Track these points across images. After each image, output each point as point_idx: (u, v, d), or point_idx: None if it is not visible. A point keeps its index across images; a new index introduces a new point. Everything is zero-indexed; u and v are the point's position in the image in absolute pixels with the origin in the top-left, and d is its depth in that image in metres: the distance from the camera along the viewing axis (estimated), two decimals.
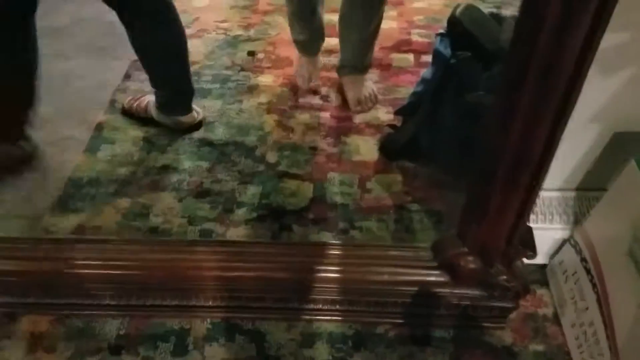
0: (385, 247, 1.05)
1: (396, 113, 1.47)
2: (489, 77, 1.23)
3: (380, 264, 0.99)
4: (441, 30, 1.38)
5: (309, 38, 1.60)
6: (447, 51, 1.30)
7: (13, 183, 1.37)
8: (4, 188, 1.36)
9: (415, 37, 1.86)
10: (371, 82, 1.63)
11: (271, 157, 1.43)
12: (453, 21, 1.36)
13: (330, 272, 1.00)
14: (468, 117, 1.26)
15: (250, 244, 1.13)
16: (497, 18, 1.42)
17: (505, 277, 0.95)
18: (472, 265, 0.96)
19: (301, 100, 1.61)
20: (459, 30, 1.34)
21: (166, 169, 1.40)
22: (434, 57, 1.34)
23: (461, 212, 0.93)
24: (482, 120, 0.87)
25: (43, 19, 1.99)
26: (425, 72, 1.40)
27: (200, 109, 1.53)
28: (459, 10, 1.35)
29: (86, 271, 1.05)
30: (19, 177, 1.39)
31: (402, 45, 1.82)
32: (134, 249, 1.05)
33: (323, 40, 1.64)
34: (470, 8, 1.37)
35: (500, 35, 1.37)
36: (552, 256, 1.10)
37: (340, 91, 1.62)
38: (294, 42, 1.64)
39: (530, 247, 0.90)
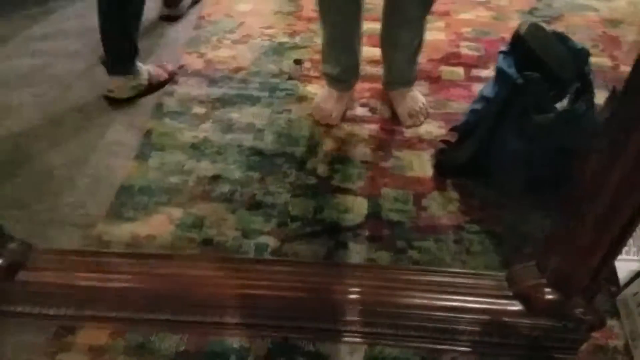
0: (456, 273, 1.01)
1: (453, 130, 1.44)
2: (569, 107, 1.20)
3: (451, 291, 0.96)
4: (503, 48, 1.35)
5: (344, 73, 1.51)
6: (511, 70, 1.27)
7: (65, 189, 1.36)
8: (58, 194, 1.34)
9: (464, 50, 1.82)
10: (420, 94, 1.60)
11: (322, 170, 1.41)
12: (517, 40, 1.33)
13: (398, 297, 0.98)
14: (534, 140, 1.24)
15: (312, 264, 1.10)
16: (559, 37, 1.39)
17: (582, 309, 0.92)
18: (549, 297, 0.93)
19: (349, 113, 1.58)
20: (524, 50, 1.32)
21: (217, 179, 1.38)
22: (497, 75, 1.31)
23: (544, 243, 0.90)
24: (577, 156, 0.83)
25: (85, 19, 2.00)
26: (485, 88, 1.37)
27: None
28: (523, 29, 1.33)
29: (145, 286, 1.03)
30: (70, 183, 1.37)
31: (451, 58, 1.79)
32: (196, 265, 1.03)
33: (358, 77, 1.56)
34: (534, 27, 1.34)
35: (565, 57, 1.34)
36: (624, 287, 1.07)
37: (390, 105, 1.60)
38: (324, 75, 1.56)
39: (613, 282, 0.87)
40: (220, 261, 1.04)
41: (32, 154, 1.46)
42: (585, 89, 1.31)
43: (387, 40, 1.48)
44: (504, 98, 1.25)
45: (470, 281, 0.98)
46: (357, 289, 0.98)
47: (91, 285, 1.04)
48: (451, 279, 0.98)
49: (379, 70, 1.73)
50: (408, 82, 1.56)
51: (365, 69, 1.68)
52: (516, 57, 1.32)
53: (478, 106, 1.35)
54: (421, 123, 1.54)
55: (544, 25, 1.38)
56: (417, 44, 1.48)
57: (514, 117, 1.25)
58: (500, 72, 1.30)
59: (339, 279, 1.01)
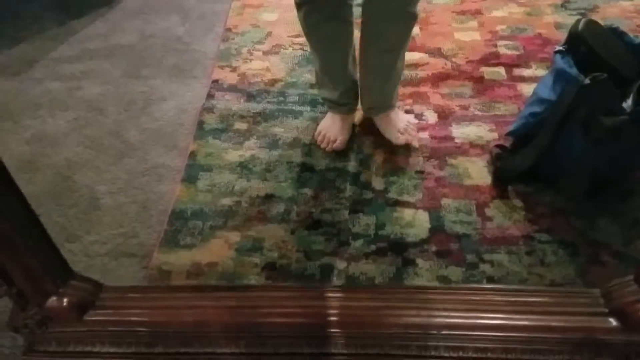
0: (548, 292, 0.98)
1: (510, 134, 1.39)
2: (636, 107, 1.16)
3: (546, 312, 0.92)
4: (559, 47, 1.31)
5: (342, 97, 1.42)
6: (573, 71, 1.23)
7: (115, 218, 1.32)
8: (108, 224, 1.30)
9: (502, 50, 1.78)
10: (404, 114, 1.51)
11: (378, 183, 1.37)
12: (575, 38, 1.29)
13: (489, 319, 0.94)
14: (602, 143, 1.20)
15: (399, 289, 1.06)
16: (615, 33, 1.35)
17: None
18: None
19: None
20: (582, 48, 1.27)
21: (270, 198, 1.34)
22: (557, 76, 1.27)
23: None
24: None
25: (110, 38, 1.96)
26: (541, 90, 1.33)
27: None
28: (580, 26, 1.28)
29: (214, 319, 0.99)
30: (119, 212, 1.33)
31: (491, 59, 1.75)
32: (269, 296, 0.99)
33: (357, 100, 1.47)
34: (592, 24, 1.30)
35: (625, 53, 1.30)
36: None
37: (375, 127, 1.49)
38: (323, 99, 1.50)
39: None
40: (300, 290, 1.00)
41: (75, 183, 1.42)
42: None
43: (366, 65, 1.36)
44: (570, 100, 1.20)
45: (565, 300, 0.94)
46: (446, 312, 0.94)
47: (161, 322, 1.00)
48: (543, 299, 0.94)
49: (418, 74, 1.69)
50: (391, 106, 1.45)
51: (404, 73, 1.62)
52: (574, 56, 1.28)
53: (537, 109, 1.31)
54: (413, 138, 1.45)
55: (612, 24, 1.34)
56: (399, 69, 1.38)
57: (580, 119, 1.21)
58: (561, 73, 1.25)
59: (416, 303, 0.97)
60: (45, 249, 0.90)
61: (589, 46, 1.26)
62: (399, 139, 1.43)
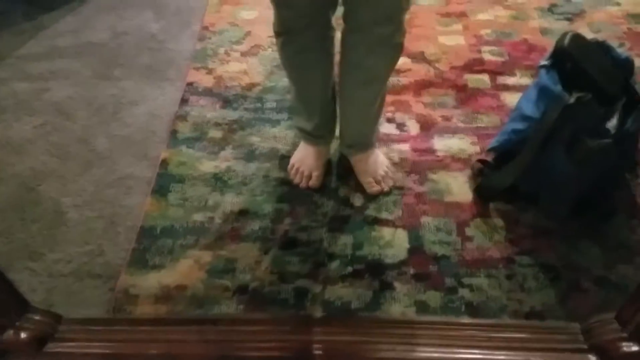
0: (527, 328, 0.95)
1: (491, 150, 1.36)
2: (620, 128, 1.12)
3: (525, 348, 0.90)
4: (544, 62, 1.27)
5: (317, 129, 1.31)
6: (557, 88, 1.19)
7: (80, 235, 1.26)
8: (73, 241, 1.24)
9: (487, 56, 1.73)
10: (382, 156, 1.38)
11: (356, 200, 1.32)
12: (561, 53, 1.25)
13: (468, 354, 0.91)
14: (586, 163, 1.16)
15: (378, 322, 1.02)
16: (602, 47, 1.31)
17: None
18: (629, 350, 0.86)
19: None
20: (569, 64, 1.23)
21: (245, 214, 1.29)
22: (541, 93, 1.23)
23: (629, 297, 0.83)
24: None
25: (80, 34, 1.87)
26: (525, 105, 1.29)
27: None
28: (566, 41, 1.24)
29: (177, 353, 0.95)
30: (84, 227, 1.27)
31: (475, 65, 1.70)
32: (240, 330, 0.95)
33: (334, 132, 1.36)
34: (577, 38, 1.26)
35: (611, 70, 1.26)
36: None
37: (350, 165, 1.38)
38: (296, 128, 1.38)
39: None
40: (272, 323, 0.95)
41: (40, 195, 1.35)
42: (633, 104, 1.24)
43: (345, 96, 1.26)
44: (554, 120, 1.16)
45: (543, 336, 0.91)
46: (418, 347, 0.91)
47: (125, 354, 0.95)
48: (522, 335, 0.91)
49: (400, 80, 1.64)
50: (368, 145, 1.34)
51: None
52: (559, 71, 1.24)
53: (520, 126, 1.27)
54: (389, 189, 1.33)
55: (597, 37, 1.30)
56: (380, 102, 1.28)
57: (563, 139, 1.17)
58: (545, 90, 1.22)
59: (395, 337, 0.94)
60: None
61: (574, 62, 1.23)
62: (373, 189, 1.32)
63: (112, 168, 1.42)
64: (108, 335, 0.95)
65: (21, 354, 0.92)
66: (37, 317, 0.93)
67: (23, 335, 0.91)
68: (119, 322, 0.98)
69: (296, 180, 1.35)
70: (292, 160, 1.38)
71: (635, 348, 0.86)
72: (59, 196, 1.35)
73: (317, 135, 1.33)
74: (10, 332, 0.90)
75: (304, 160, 1.35)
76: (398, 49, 1.15)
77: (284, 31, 1.13)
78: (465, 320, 1.06)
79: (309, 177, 1.33)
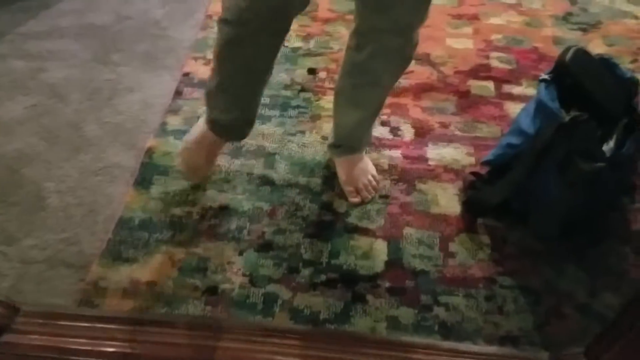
0: (493, 356, 0.91)
1: (485, 163, 1.30)
2: (617, 151, 1.07)
3: None
4: (544, 76, 1.21)
5: (235, 121, 1.20)
6: (555, 105, 1.14)
7: (59, 221, 1.25)
8: (51, 227, 1.23)
9: (494, 63, 1.67)
10: (370, 163, 1.32)
11: (339, 205, 1.29)
12: (561, 68, 1.19)
13: None
14: (578, 186, 1.11)
15: (345, 337, 0.99)
16: (606, 64, 1.24)
17: None
18: None
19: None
20: (569, 80, 1.18)
21: (224, 210, 1.27)
22: (538, 108, 1.18)
23: (599, 335, 0.79)
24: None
25: (84, 15, 1.85)
26: (522, 119, 1.24)
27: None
28: (569, 56, 1.18)
29: (139, 353, 0.93)
30: (64, 214, 1.26)
31: (481, 71, 1.64)
32: (198, 334, 0.93)
33: (252, 126, 1.24)
34: (581, 53, 1.20)
35: (613, 88, 1.20)
36: None
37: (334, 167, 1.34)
38: (207, 121, 1.21)
39: None
40: (225, 331, 0.93)
41: (23, 178, 1.34)
42: (634, 126, 1.18)
43: (344, 95, 1.22)
44: (547, 138, 1.11)
45: None
46: None
47: (81, 350, 0.94)
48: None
49: (401, 82, 1.58)
50: (360, 148, 1.30)
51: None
52: (559, 87, 1.18)
53: (515, 140, 1.22)
54: (370, 199, 1.28)
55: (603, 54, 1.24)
56: (379, 105, 1.24)
57: (557, 159, 1.12)
58: (542, 106, 1.16)
59: (362, 357, 0.90)
60: None
61: (575, 78, 1.17)
62: (353, 199, 1.27)
63: (99, 156, 1.40)
64: (65, 330, 0.94)
65: None
66: None
67: None
68: (79, 318, 0.96)
69: (183, 169, 1.29)
70: (185, 143, 1.27)
71: None
72: (42, 181, 1.34)
73: (233, 130, 1.23)
74: None
75: (198, 151, 1.24)
76: (406, 62, 1.13)
77: (235, 22, 1.01)
78: (436, 344, 1.01)
79: (195, 170, 1.28)
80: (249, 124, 1.24)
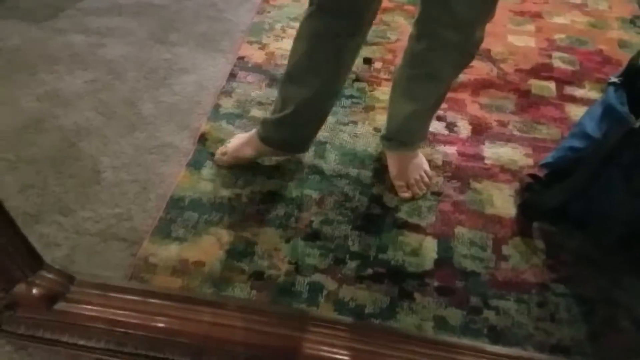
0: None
1: (545, 165, 1.26)
2: None
3: None
4: (614, 79, 1.15)
5: (298, 143, 1.26)
6: (624, 109, 1.08)
7: (113, 196, 1.27)
8: (105, 201, 1.26)
9: (557, 63, 1.61)
10: (423, 159, 1.30)
11: (389, 200, 1.26)
12: (633, 72, 1.13)
13: None
14: None
15: (388, 333, 0.97)
16: None
17: None
18: None
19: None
20: (638, 83, 1.12)
21: (273, 196, 1.26)
22: (605, 112, 1.12)
23: None
24: None
25: None
26: (586, 122, 1.18)
27: None
28: None
29: (187, 330, 0.94)
30: (118, 190, 1.28)
31: (542, 70, 1.59)
32: (247, 318, 0.93)
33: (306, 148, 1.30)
34: None
35: None
36: None
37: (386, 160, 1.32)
38: (261, 139, 1.25)
39: None
40: (278, 317, 0.93)
41: (80, 151, 1.37)
42: None
43: (401, 88, 1.19)
44: (615, 143, 1.06)
45: None
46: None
47: (133, 323, 0.95)
48: None
49: (459, 77, 1.54)
50: (413, 143, 1.28)
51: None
52: (630, 92, 1.13)
53: (578, 144, 1.17)
54: (421, 195, 1.26)
55: None
56: (437, 100, 1.20)
57: (623, 165, 1.07)
58: (610, 109, 1.11)
59: (403, 352, 0.89)
60: (11, 237, 0.85)
61: None
62: (404, 194, 1.25)
63: (153, 134, 1.42)
64: (118, 302, 0.95)
65: (31, 309, 0.94)
66: (50, 276, 0.94)
67: (35, 291, 0.92)
68: (130, 291, 0.97)
69: (221, 157, 1.31)
70: (235, 141, 1.31)
71: None
72: (99, 155, 1.36)
73: (291, 148, 1.29)
74: (23, 286, 0.92)
75: (243, 143, 1.29)
76: (467, 58, 1.09)
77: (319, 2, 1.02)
78: (485, 347, 0.99)
79: (224, 152, 1.30)
80: (307, 147, 1.30)
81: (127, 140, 1.40)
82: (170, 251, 1.16)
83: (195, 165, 1.33)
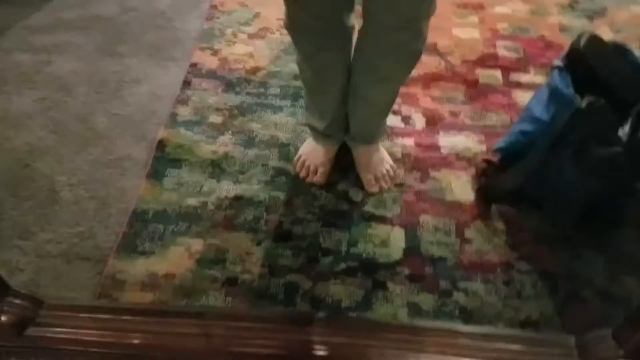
0: (522, 339, 0.91)
1: (498, 150, 1.31)
2: (634, 136, 1.07)
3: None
4: (558, 63, 1.22)
5: (327, 129, 1.28)
6: (569, 91, 1.14)
7: (73, 215, 1.24)
8: (65, 221, 1.22)
9: (501, 51, 1.68)
10: (385, 153, 1.33)
11: (355, 194, 1.29)
12: (575, 54, 1.19)
13: None
14: (593, 173, 1.12)
15: (367, 324, 0.99)
16: (620, 50, 1.25)
17: None
18: None
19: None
20: (583, 67, 1.18)
21: (240, 200, 1.26)
22: (552, 95, 1.18)
23: (629, 315, 0.80)
24: None
25: (88, 7, 1.83)
26: (534, 106, 1.24)
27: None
28: (582, 43, 1.18)
29: (162, 344, 0.93)
30: (77, 208, 1.25)
31: (488, 60, 1.65)
32: (225, 325, 0.93)
33: (344, 132, 1.32)
34: (595, 40, 1.20)
35: (628, 75, 1.20)
36: None
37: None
38: (307, 126, 1.34)
39: None
40: (255, 320, 0.93)
41: (35, 172, 1.33)
42: None
43: (355, 89, 1.20)
44: (563, 124, 1.12)
45: (536, 349, 0.87)
46: (409, 354, 0.88)
47: (104, 342, 0.93)
48: (513, 346, 0.88)
49: None
50: (373, 139, 1.31)
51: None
52: (573, 74, 1.19)
53: (529, 127, 1.23)
54: (387, 188, 1.29)
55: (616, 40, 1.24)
56: (390, 100, 1.23)
57: (572, 146, 1.12)
58: (556, 92, 1.16)
59: (385, 341, 0.91)
60: None
61: (589, 65, 1.17)
62: (372, 187, 1.28)
63: (109, 148, 1.40)
64: (90, 322, 0.93)
65: (1, 336, 0.91)
66: (17, 301, 0.91)
67: (3, 318, 0.90)
68: (102, 310, 0.96)
69: (302, 174, 1.31)
70: (300, 151, 1.34)
71: None
72: (54, 174, 1.33)
73: (328, 135, 1.29)
74: None
75: (312, 155, 1.31)
76: (415, 56, 1.10)
77: (298, 29, 1.08)
78: (459, 327, 1.02)
79: (315, 172, 1.30)
80: (343, 127, 1.31)
81: (82, 157, 1.37)
82: (138, 266, 1.14)
83: (156, 176, 1.32)
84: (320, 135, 1.30)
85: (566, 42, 1.62)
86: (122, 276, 1.12)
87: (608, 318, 1.02)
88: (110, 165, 1.35)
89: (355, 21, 1.11)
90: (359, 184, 1.30)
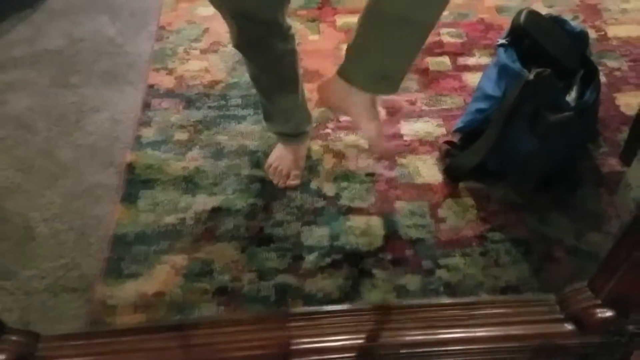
0: (506, 303, 0.97)
1: (457, 130, 1.37)
2: (580, 99, 1.15)
3: (504, 322, 0.92)
4: (502, 40, 1.29)
5: (296, 127, 1.30)
6: (516, 65, 1.21)
7: (52, 249, 1.23)
8: (46, 256, 1.22)
9: (446, 38, 1.75)
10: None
11: (328, 190, 1.33)
12: (517, 31, 1.27)
13: (449, 334, 0.93)
14: (548, 138, 1.19)
15: (356, 309, 1.02)
16: (557, 21, 1.34)
17: (638, 325, 0.89)
18: (604, 316, 0.89)
19: (343, 119, 1.49)
20: (525, 41, 1.26)
21: (218, 212, 1.28)
22: (501, 71, 1.25)
23: (600, 266, 0.86)
24: None
25: (35, 43, 1.82)
26: (485, 84, 1.31)
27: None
28: (522, 18, 1.26)
29: None
30: (56, 241, 1.25)
31: (435, 48, 1.72)
32: (222, 331, 0.95)
33: (310, 124, 1.35)
34: (533, 15, 1.28)
35: (567, 43, 1.29)
36: None
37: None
38: (272, 133, 1.36)
39: None
40: (253, 322, 0.96)
41: (7, 212, 1.31)
42: (591, 75, 1.28)
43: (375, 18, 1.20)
44: (515, 97, 1.19)
45: (520, 310, 0.93)
46: (398, 332, 0.92)
47: None
48: (499, 310, 0.94)
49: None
50: (393, 85, 1.25)
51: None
52: (517, 49, 1.26)
53: (483, 105, 1.29)
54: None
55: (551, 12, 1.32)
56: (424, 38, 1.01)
57: (526, 115, 1.20)
58: (505, 68, 1.24)
59: (374, 324, 0.95)
60: None
61: (532, 39, 1.25)
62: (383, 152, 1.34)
63: (78, 178, 1.39)
64: (88, 349, 0.93)
65: None
66: (14, 338, 0.90)
67: (1, 357, 0.89)
68: (99, 335, 0.96)
69: (275, 180, 1.33)
70: (270, 159, 1.35)
71: (609, 313, 0.89)
72: (27, 211, 1.32)
73: (297, 134, 1.32)
74: None
75: (283, 160, 1.33)
76: None
77: (244, 43, 1.12)
78: (445, 300, 1.07)
79: (288, 176, 1.32)
80: (308, 122, 1.34)
81: (53, 191, 1.36)
82: (126, 289, 1.15)
83: (129, 199, 1.32)
84: (288, 137, 1.32)
85: (505, 21, 1.71)
86: (113, 301, 1.12)
87: (581, 272, 1.09)
88: (82, 195, 1.35)
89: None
90: (329, 178, 1.34)
